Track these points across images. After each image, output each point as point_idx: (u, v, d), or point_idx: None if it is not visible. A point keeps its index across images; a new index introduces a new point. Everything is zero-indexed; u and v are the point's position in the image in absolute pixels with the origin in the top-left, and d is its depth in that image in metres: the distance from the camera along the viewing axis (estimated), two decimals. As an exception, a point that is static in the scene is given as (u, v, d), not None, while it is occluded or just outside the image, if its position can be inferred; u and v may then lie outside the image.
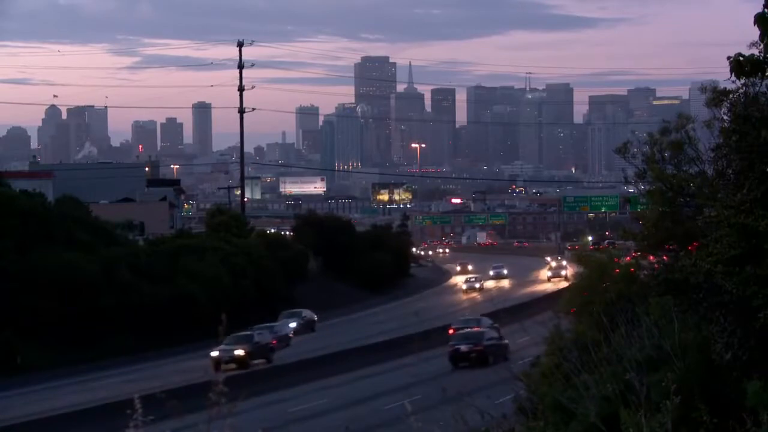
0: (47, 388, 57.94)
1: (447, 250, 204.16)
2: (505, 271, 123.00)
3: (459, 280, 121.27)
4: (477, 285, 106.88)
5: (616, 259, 32.13)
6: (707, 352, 14.14)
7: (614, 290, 25.96)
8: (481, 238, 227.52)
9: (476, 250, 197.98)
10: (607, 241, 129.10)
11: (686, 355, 13.94)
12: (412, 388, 43.83)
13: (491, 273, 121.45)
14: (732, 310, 14.71)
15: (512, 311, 65.61)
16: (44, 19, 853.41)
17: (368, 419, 40.98)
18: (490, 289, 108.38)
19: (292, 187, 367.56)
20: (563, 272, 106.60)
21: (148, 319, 72.93)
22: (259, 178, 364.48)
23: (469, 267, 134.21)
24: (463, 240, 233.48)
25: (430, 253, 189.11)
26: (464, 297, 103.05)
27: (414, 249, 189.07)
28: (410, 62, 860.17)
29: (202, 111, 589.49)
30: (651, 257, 26.60)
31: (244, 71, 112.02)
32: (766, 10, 14.05)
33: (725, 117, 17.80)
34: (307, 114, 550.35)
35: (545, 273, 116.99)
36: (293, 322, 76.73)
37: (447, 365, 54.71)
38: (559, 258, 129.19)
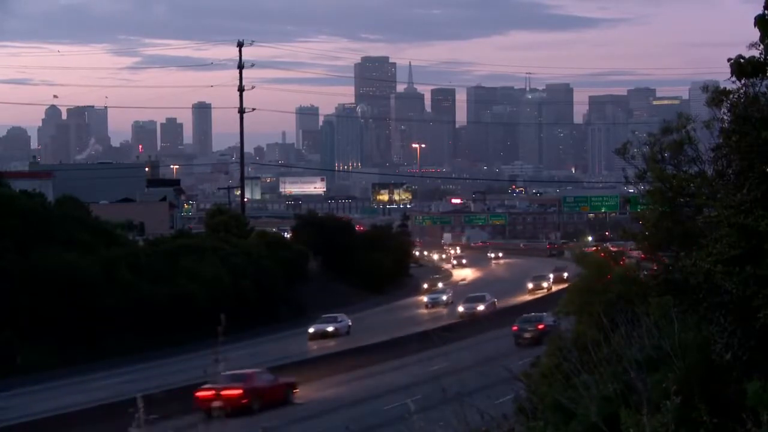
0: (47, 388, 57.95)
1: (500, 254, 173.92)
2: (445, 298, 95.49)
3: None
4: (329, 328, 75.55)
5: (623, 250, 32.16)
6: (707, 352, 14.14)
7: (614, 290, 25.98)
8: (447, 239, 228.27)
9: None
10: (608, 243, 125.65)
11: (686, 355, 13.93)
12: (412, 388, 43.87)
13: (426, 299, 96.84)
14: (732, 310, 14.71)
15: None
16: (44, 19, 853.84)
17: (368, 419, 40.98)
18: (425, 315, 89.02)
19: (292, 188, 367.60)
20: (480, 307, 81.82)
21: (148, 319, 72.96)
22: (259, 178, 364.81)
23: (440, 285, 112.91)
24: (464, 239, 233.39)
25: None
26: (313, 344, 72.71)
27: (453, 252, 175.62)
28: (410, 62, 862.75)
29: (202, 111, 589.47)
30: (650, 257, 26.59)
31: (244, 71, 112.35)
32: (766, 11, 14.05)
33: (725, 117, 17.81)
34: (307, 114, 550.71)
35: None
36: None
37: (447, 366, 54.72)
38: (545, 278, 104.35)
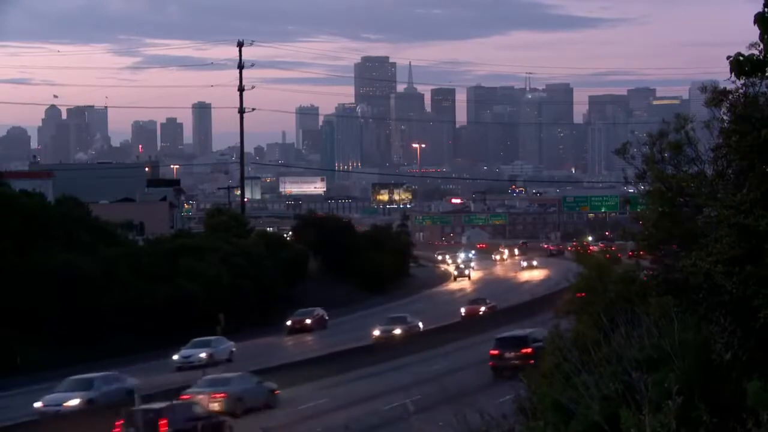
0: (47, 388, 57.87)
1: (534, 262, 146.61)
2: (203, 355, 63.60)
3: None
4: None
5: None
6: (707, 352, 14.14)
7: (614, 290, 25.98)
8: (419, 238, 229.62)
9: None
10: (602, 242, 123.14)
11: (686, 355, 13.93)
12: (412, 388, 43.89)
13: (176, 357, 64.65)
14: (732, 310, 14.72)
15: None
16: (45, 19, 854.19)
17: (368, 419, 40.96)
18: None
19: (292, 187, 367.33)
20: (72, 402, 48.50)
21: (148, 319, 72.94)
22: (259, 178, 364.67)
23: (307, 321, 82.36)
24: (462, 240, 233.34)
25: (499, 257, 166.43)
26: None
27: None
28: (410, 62, 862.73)
29: (202, 111, 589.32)
30: (650, 257, 26.60)
31: (244, 71, 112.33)
32: (766, 9, 14.04)
33: (725, 117, 17.81)
34: (307, 114, 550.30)
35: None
36: None
37: (447, 366, 54.71)
38: (403, 321, 75.59)
